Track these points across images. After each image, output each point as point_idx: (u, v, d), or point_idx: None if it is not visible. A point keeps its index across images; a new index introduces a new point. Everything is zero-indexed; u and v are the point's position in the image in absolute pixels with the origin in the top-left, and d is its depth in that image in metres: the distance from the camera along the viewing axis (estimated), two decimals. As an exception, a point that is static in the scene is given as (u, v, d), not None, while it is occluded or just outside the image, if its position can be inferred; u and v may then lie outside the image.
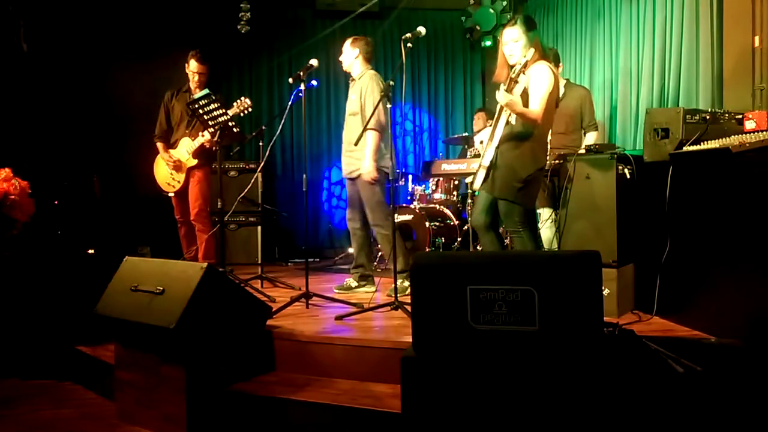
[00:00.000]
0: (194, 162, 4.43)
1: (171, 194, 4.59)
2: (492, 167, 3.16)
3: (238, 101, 4.17)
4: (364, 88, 3.98)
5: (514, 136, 3.13)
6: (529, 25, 3.14)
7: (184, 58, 4.56)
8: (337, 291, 4.12)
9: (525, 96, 3.07)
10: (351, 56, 4.10)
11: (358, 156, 3.97)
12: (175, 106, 4.57)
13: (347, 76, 4.26)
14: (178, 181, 4.51)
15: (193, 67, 4.48)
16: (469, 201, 5.06)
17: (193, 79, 4.50)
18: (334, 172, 7.19)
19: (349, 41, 4.13)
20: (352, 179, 4.10)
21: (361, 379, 2.76)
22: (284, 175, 7.11)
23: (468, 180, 5.08)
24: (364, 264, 4.17)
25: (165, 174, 4.59)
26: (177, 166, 4.48)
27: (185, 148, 4.45)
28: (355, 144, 3.62)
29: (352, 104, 4.07)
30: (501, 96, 2.95)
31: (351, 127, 4.05)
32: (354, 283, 4.15)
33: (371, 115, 3.74)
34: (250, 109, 4.19)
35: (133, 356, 2.82)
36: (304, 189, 3.66)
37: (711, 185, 2.74)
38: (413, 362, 2.08)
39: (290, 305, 3.51)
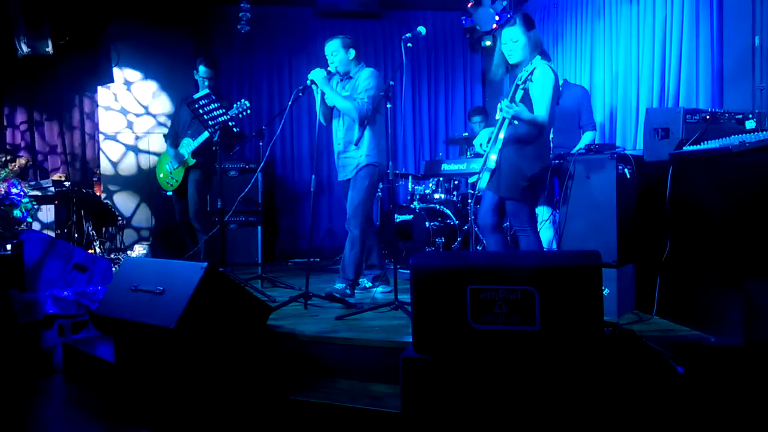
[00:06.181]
0: (193, 161, 4.45)
1: (169, 193, 4.62)
2: (497, 168, 3.15)
3: (238, 103, 4.20)
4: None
5: (518, 136, 3.12)
6: (529, 25, 3.14)
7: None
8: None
9: (527, 97, 3.08)
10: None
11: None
12: (182, 111, 4.63)
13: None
14: (177, 180, 4.55)
15: (202, 72, 4.53)
16: (470, 201, 5.05)
17: (203, 84, 4.55)
18: (333, 172, 7.15)
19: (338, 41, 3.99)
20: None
21: (361, 379, 2.76)
22: (284, 174, 7.09)
23: (471, 180, 5.07)
24: (375, 264, 4.15)
25: (165, 172, 4.63)
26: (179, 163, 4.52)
27: (186, 149, 4.47)
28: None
29: None
30: (506, 110, 2.95)
31: None
32: (368, 283, 4.14)
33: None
34: (248, 111, 4.21)
35: (133, 356, 2.82)
36: (312, 189, 3.67)
37: (711, 185, 2.74)
38: (413, 362, 2.08)
39: (289, 303, 3.52)
